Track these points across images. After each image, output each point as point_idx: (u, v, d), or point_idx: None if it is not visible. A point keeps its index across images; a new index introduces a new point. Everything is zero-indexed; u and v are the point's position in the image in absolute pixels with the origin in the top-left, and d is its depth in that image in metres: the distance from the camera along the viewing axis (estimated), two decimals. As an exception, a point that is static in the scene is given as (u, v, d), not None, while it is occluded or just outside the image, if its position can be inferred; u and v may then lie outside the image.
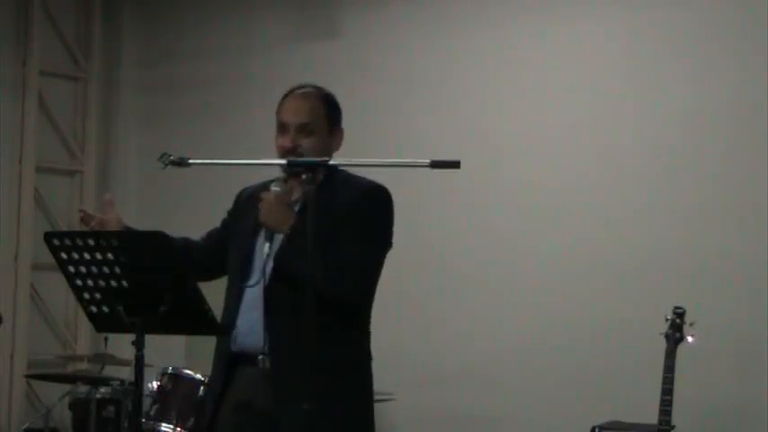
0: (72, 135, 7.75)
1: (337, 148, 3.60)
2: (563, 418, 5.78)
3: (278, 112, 3.59)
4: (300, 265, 3.26)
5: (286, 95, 3.63)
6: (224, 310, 3.57)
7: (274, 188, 3.49)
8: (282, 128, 3.56)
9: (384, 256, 3.55)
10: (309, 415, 3.14)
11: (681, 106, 5.77)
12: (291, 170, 3.45)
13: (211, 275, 3.74)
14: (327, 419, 3.34)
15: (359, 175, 3.58)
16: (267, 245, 3.48)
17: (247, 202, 3.63)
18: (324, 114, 3.57)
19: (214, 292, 3.58)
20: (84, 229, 3.62)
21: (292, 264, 3.37)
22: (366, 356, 3.57)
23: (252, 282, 3.49)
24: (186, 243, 3.78)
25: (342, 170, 3.57)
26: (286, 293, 3.37)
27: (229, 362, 3.53)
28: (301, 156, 3.48)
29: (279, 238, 3.45)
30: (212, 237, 3.79)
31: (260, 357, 3.45)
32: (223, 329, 3.49)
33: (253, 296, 3.49)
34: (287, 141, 3.53)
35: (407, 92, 6.63)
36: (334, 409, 3.39)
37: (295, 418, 3.19)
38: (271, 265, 3.47)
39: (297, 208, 3.49)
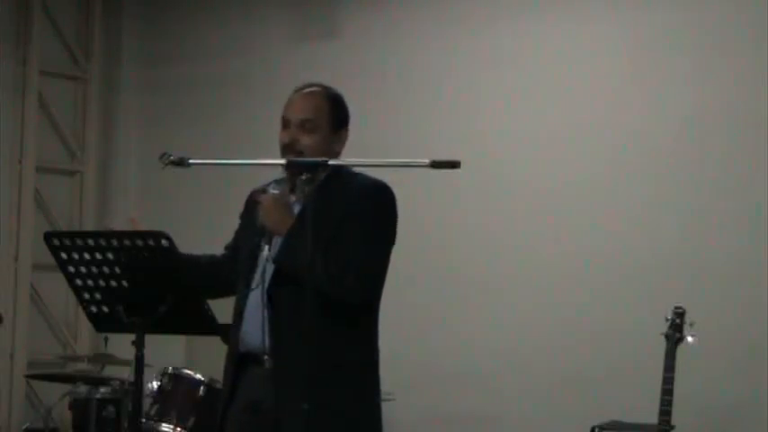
0: (72, 135, 7.73)
1: (341, 150, 3.58)
2: (563, 418, 5.78)
3: (283, 109, 3.58)
4: (298, 265, 3.25)
5: (293, 93, 3.61)
6: (233, 311, 3.56)
7: (272, 190, 3.49)
8: (284, 123, 3.55)
9: (387, 255, 3.54)
10: (310, 415, 3.12)
11: (681, 106, 5.77)
12: (293, 170, 3.45)
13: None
14: (330, 420, 3.34)
15: (364, 173, 3.56)
16: (266, 247, 3.48)
17: (255, 204, 3.59)
18: (327, 113, 3.54)
19: (214, 292, 3.58)
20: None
21: (290, 265, 3.37)
22: (372, 356, 3.55)
23: (253, 284, 3.49)
24: (212, 261, 3.74)
25: (348, 169, 3.55)
26: (287, 295, 3.36)
27: (238, 363, 3.53)
28: (301, 153, 3.47)
29: (278, 240, 3.45)
30: (232, 249, 3.75)
31: (265, 358, 3.45)
32: (223, 329, 3.49)
33: (256, 298, 3.48)
34: (286, 137, 3.52)
35: (407, 92, 6.62)
36: (337, 409, 3.39)
37: (296, 419, 3.18)
38: (271, 267, 3.46)
39: (297, 208, 3.48)
